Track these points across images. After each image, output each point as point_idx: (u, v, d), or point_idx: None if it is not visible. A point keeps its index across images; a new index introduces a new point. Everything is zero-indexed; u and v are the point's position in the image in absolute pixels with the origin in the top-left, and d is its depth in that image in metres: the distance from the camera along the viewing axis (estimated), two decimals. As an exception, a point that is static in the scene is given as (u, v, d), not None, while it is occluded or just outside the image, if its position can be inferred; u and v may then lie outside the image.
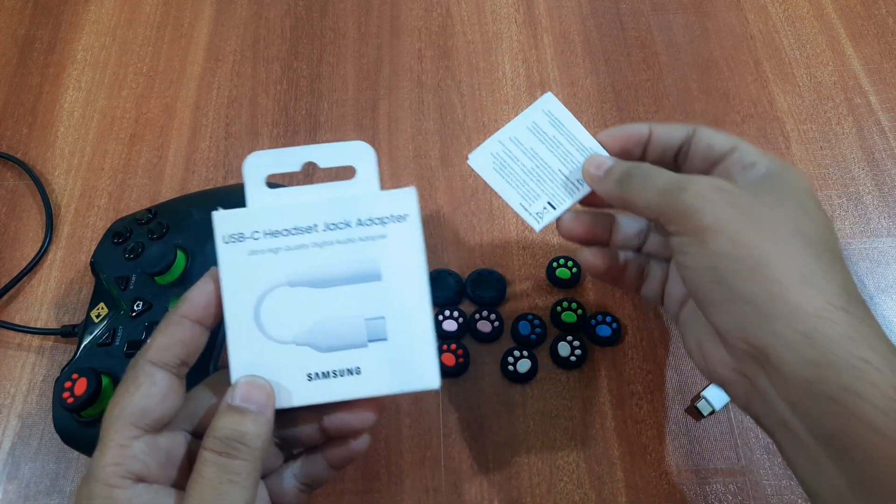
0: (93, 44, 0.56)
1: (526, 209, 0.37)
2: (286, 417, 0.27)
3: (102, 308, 0.38)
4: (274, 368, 0.27)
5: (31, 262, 0.46)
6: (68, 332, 0.42)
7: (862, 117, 0.50)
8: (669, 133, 0.35)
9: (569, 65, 0.53)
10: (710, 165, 0.33)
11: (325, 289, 0.28)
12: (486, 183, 0.36)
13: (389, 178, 0.49)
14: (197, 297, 0.28)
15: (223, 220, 0.28)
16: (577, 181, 0.37)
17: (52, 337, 0.43)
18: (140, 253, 0.39)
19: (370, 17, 0.56)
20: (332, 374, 0.27)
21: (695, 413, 0.40)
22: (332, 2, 0.57)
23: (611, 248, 0.37)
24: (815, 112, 0.51)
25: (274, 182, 0.30)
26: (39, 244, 0.47)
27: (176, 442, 0.27)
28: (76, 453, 0.39)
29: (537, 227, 0.37)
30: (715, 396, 0.39)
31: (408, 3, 0.57)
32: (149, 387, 0.26)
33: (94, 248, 0.42)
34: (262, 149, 0.50)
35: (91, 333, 0.38)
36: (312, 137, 0.51)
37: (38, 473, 0.39)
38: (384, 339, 0.28)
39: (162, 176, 0.49)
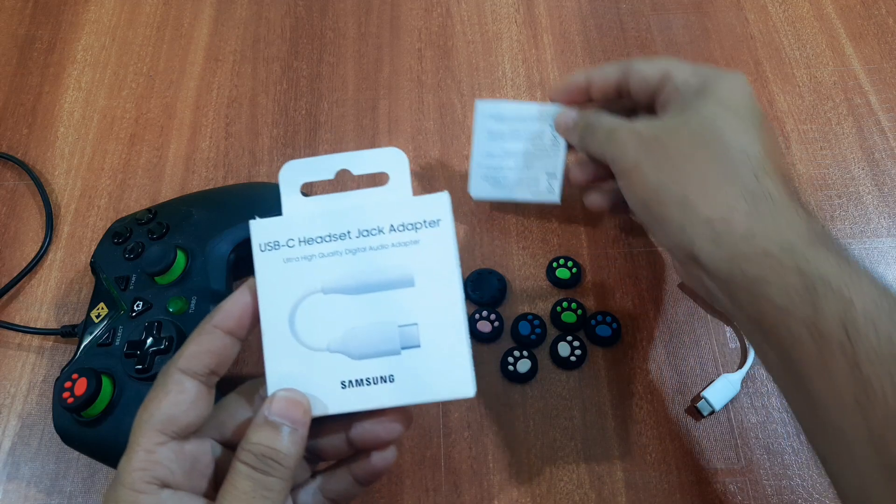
0: (93, 44, 0.56)
1: (537, 194, 0.41)
2: (315, 428, 0.27)
3: (102, 308, 0.38)
4: (308, 377, 0.27)
5: (31, 262, 0.46)
6: (68, 332, 0.42)
7: (862, 117, 0.50)
8: (604, 76, 0.38)
9: (569, 65, 0.53)
10: (651, 97, 0.36)
11: (359, 296, 0.27)
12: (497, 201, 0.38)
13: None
14: (231, 307, 0.27)
15: (260, 228, 0.28)
16: (551, 144, 0.41)
17: (52, 337, 0.43)
18: (140, 253, 0.39)
19: (370, 17, 0.56)
20: (365, 382, 0.27)
21: (695, 413, 0.40)
22: (332, 2, 0.57)
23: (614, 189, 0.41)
24: (815, 112, 0.51)
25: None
26: (39, 244, 0.47)
27: (202, 450, 0.27)
28: (76, 453, 0.39)
29: (556, 199, 0.41)
30: (715, 396, 0.39)
31: (408, 3, 0.57)
32: (177, 394, 0.26)
33: (94, 248, 0.42)
34: (262, 148, 0.50)
35: (91, 333, 0.38)
36: (312, 137, 0.51)
37: (38, 473, 0.39)
38: (417, 347, 0.27)
39: (162, 176, 0.49)
